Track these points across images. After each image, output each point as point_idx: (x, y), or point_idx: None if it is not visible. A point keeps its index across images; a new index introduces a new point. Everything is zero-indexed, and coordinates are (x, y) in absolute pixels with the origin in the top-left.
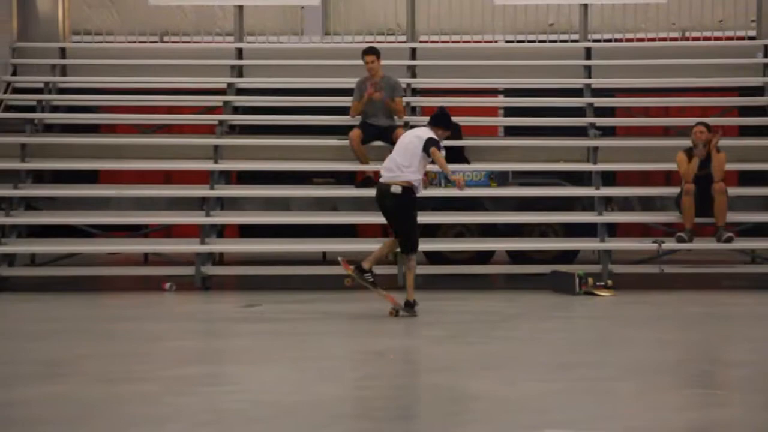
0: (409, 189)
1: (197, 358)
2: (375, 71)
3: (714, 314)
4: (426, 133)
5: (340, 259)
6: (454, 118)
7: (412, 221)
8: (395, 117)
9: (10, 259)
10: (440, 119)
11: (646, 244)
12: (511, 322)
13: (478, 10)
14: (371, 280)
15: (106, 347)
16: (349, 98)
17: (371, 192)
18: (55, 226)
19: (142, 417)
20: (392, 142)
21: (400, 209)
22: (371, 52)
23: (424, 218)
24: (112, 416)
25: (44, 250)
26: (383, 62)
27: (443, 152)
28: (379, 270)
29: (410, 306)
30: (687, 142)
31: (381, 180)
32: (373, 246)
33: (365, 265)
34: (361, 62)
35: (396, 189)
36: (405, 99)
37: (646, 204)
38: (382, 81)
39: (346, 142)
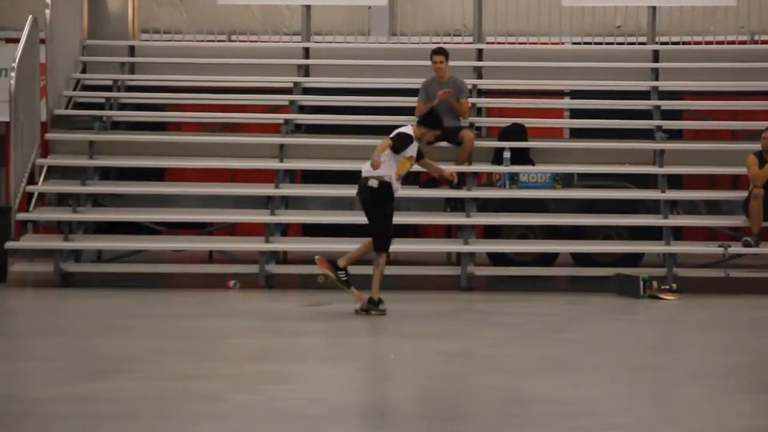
0: (386, 184)
1: (260, 356)
2: (443, 72)
3: None
4: (405, 130)
5: (316, 257)
6: (519, 120)
7: (386, 219)
8: (461, 118)
9: (77, 255)
10: (424, 118)
11: (712, 248)
12: (575, 324)
13: (546, 12)
14: (344, 278)
15: (171, 344)
16: (415, 98)
17: (435, 193)
18: (121, 222)
19: (205, 414)
20: (457, 143)
21: (375, 204)
22: (440, 52)
23: (488, 219)
24: (176, 413)
25: (110, 246)
26: (449, 63)
27: (408, 153)
28: (359, 269)
29: (374, 303)
30: (754, 146)
31: (362, 174)
32: (438, 247)
33: (340, 263)
34: (427, 63)
35: (373, 183)
36: (470, 100)
37: (712, 208)
38: (448, 82)
39: None
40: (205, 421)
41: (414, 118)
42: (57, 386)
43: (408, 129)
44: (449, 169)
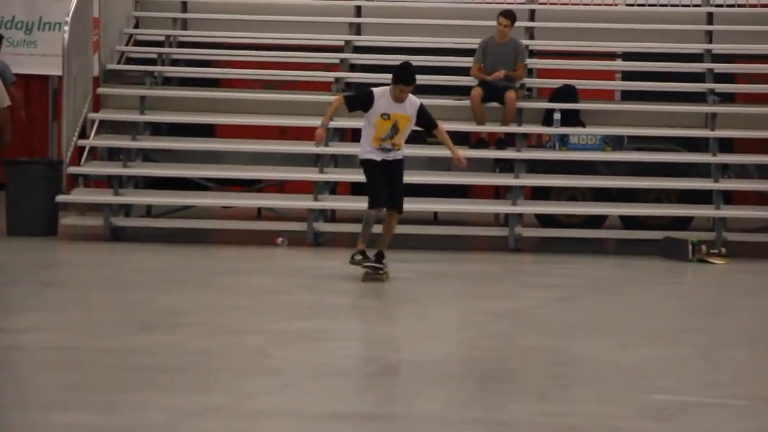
0: (362, 161)
1: (307, 313)
2: (504, 35)
3: None
4: (375, 89)
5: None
6: (570, 81)
7: (368, 181)
8: (514, 80)
9: (127, 210)
10: (394, 72)
11: (763, 213)
12: (622, 287)
13: None
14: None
15: (219, 300)
16: (468, 59)
17: (485, 153)
18: (171, 178)
19: (254, 369)
20: (503, 103)
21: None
22: (508, 15)
23: (536, 181)
24: (226, 367)
25: (160, 201)
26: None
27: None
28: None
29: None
30: None
31: None
32: (486, 207)
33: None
34: (482, 23)
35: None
36: None
37: (764, 172)
38: (508, 44)
39: (462, 103)
40: (256, 375)
41: (466, 78)
42: (110, 338)
43: (383, 89)
44: (465, 152)
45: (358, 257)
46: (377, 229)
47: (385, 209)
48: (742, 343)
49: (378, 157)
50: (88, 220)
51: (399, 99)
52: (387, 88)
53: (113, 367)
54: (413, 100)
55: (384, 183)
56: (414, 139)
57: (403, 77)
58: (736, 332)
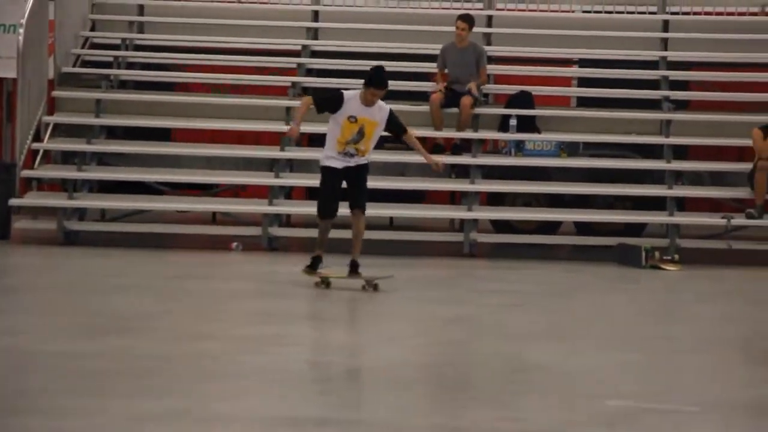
0: (323, 168)
1: (262, 318)
2: (463, 39)
3: None
4: (346, 91)
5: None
6: (527, 88)
7: (321, 188)
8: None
9: (81, 214)
10: (367, 76)
11: (715, 220)
12: (576, 293)
13: None
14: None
15: (173, 304)
16: (425, 64)
17: (440, 159)
18: (126, 182)
19: (209, 374)
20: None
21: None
22: (465, 19)
23: (492, 186)
24: (181, 372)
25: (114, 205)
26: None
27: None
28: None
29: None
30: (761, 118)
31: None
32: (442, 213)
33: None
34: (438, 28)
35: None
36: None
37: (717, 179)
38: (468, 48)
39: (418, 108)
40: (212, 380)
41: (423, 84)
42: (60, 342)
43: (354, 92)
44: (440, 159)
45: (308, 269)
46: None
47: (334, 218)
48: (695, 349)
49: (339, 164)
50: (42, 223)
51: (369, 103)
52: (358, 91)
53: (65, 372)
54: (382, 106)
55: (337, 192)
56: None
57: (376, 81)
58: (689, 338)
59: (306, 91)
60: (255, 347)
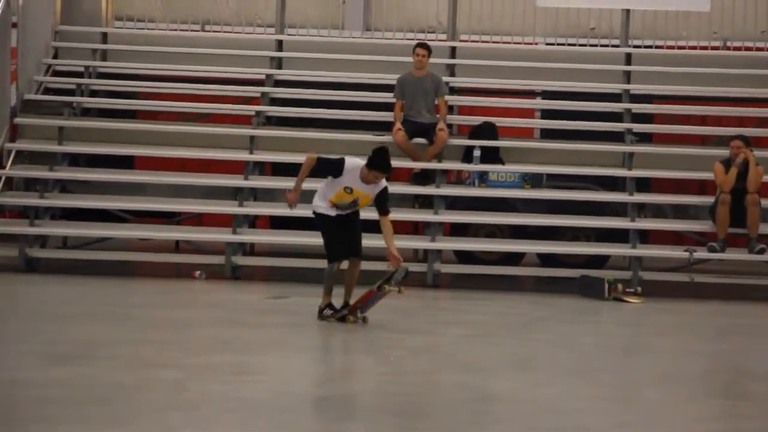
0: (317, 215)
1: (224, 347)
2: (422, 66)
3: (742, 325)
4: (350, 162)
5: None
6: (490, 119)
7: (326, 237)
8: (437, 115)
9: (43, 241)
10: (371, 158)
11: (678, 252)
12: (539, 324)
13: (520, 12)
14: (340, 312)
15: (136, 333)
16: (387, 95)
17: (404, 189)
18: (88, 209)
19: (169, 403)
20: (432, 142)
21: (319, 228)
22: (424, 46)
23: (455, 217)
24: (140, 400)
25: (77, 233)
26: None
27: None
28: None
29: (320, 309)
30: (723, 152)
31: None
32: (405, 243)
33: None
34: (401, 58)
35: (314, 209)
36: None
37: (679, 212)
38: (426, 77)
39: (382, 138)
40: (171, 409)
41: (386, 114)
42: (23, 370)
43: (356, 164)
44: (394, 249)
45: (328, 312)
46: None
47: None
48: (655, 382)
49: (333, 213)
50: (3, 250)
51: (369, 182)
52: (360, 164)
53: (24, 400)
54: (380, 183)
55: (341, 235)
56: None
57: (377, 164)
58: (650, 371)
59: (269, 120)
60: (216, 376)
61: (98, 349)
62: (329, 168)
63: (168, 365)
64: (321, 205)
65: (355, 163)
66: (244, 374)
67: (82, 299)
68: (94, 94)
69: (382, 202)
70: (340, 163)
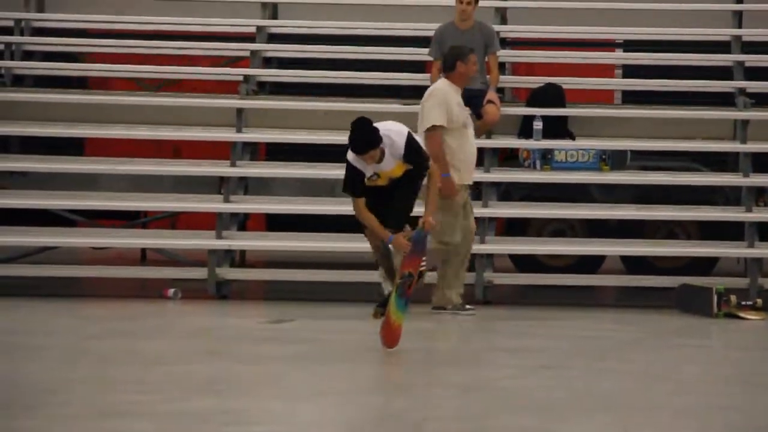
0: None
1: (207, 388)
2: (467, 16)
3: None
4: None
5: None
6: (555, 79)
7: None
8: (488, 77)
9: None
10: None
11: None
12: (624, 351)
13: None
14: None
15: (91, 371)
16: (417, 51)
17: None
18: (25, 210)
19: None
20: (479, 116)
21: None
22: None
23: (511, 211)
24: None
25: (11, 242)
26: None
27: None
28: None
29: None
30: None
31: None
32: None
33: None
34: (432, 3)
35: None
36: None
37: None
38: (473, 29)
39: (411, 108)
40: None
41: (415, 76)
42: None
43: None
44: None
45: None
46: None
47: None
48: None
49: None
50: None
51: (370, 162)
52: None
53: None
54: (393, 139)
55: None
56: None
57: (355, 146)
58: None
59: (263, 86)
60: (198, 427)
61: (45, 395)
62: (353, 177)
63: (135, 413)
64: None
65: (353, 153)
66: (235, 424)
67: (21, 329)
68: (28, 56)
69: (411, 158)
70: (352, 168)
